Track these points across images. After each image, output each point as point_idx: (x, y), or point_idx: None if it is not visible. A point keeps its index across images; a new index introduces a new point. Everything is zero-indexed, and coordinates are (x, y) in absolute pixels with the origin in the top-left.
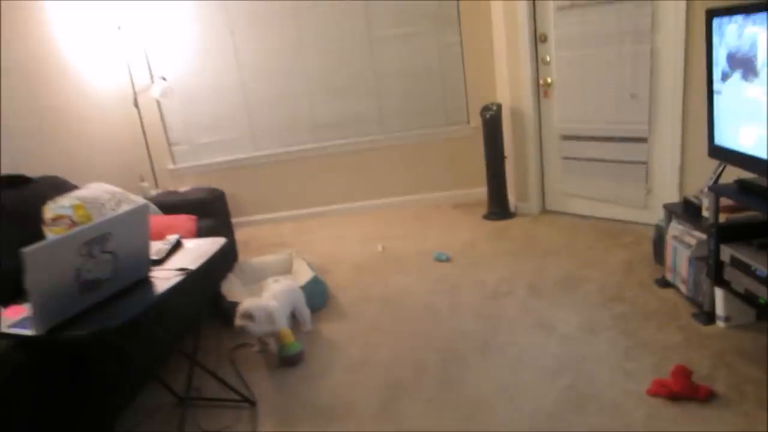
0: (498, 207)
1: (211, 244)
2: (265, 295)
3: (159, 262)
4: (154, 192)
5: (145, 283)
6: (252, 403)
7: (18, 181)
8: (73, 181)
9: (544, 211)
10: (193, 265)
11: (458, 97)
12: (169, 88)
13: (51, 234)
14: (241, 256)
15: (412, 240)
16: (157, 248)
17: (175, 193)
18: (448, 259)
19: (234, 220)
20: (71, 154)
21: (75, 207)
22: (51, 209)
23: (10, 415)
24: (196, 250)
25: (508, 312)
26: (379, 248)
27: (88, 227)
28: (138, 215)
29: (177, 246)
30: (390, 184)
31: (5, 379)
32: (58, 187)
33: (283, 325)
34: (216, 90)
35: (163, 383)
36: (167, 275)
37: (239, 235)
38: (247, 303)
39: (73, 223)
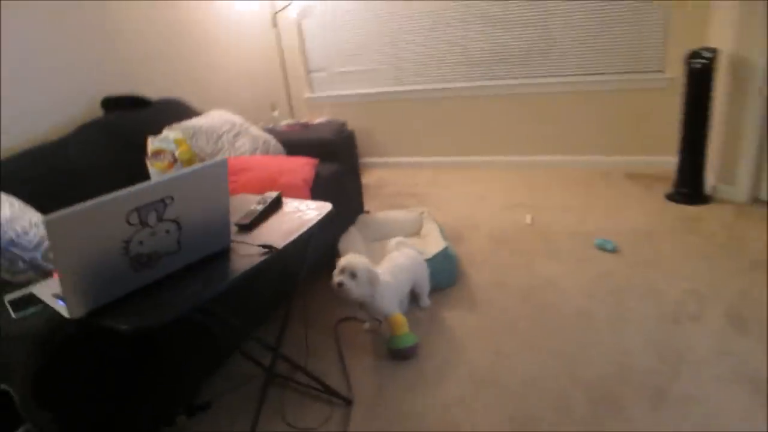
0: (689, 186)
1: (316, 211)
2: (384, 267)
3: (248, 227)
4: (283, 123)
5: (224, 258)
6: (348, 402)
7: (136, 103)
8: (199, 108)
9: (756, 201)
10: (282, 241)
11: (652, 36)
12: (309, 8)
13: (153, 169)
14: (368, 204)
15: (569, 215)
16: (248, 209)
17: (307, 126)
18: (613, 250)
19: (367, 160)
20: (200, 79)
21: (177, 141)
22: (153, 141)
23: (66, 378)
24: (295, 218)
25: (696, 347)
26: (528, 220)
27: (138, 189)
28: (213, 174)
29: (274, 206)
30: (550, 138)
31: (61, 342)
32: (179, 112)
33: (395, 308)
34: (361, 14)
35: (249, 357)
36: (249, 251)
37: (370, 177)
38: (351, 257)
39: (175, 160)
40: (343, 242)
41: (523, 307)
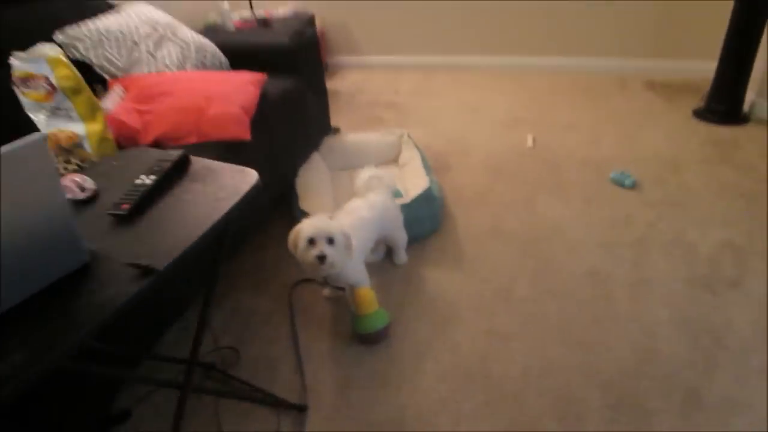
0: (724, 101)
1: (237, 182)
2: (343, 220)
3: (127, 217)
4: (236, 18)
5: (76, 288)
6: (301, 409)
7: None
8: None
9: None
10: (176, 243)
11: None
12: None
13: (26, 99)
14: (339, 118)
15: (578, 135)
16: (134, 182)
17: (267, 23)
18: (632, 186)
19: (341, 59)
20: None
21: (52, 61)
22: (17, 60)
23: None
24: (206, 196)
25: (737, 326)
26: (529, 142)
27: None
28: (26, 159)
29: (175, 173)
30: (556, 35)
31: None
32: (82, 7)
33: (364, 276)
34: None
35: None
36: (117, 272)
37: (343, 81)
38: (320, 221)
39: (53, 89)
40: (303, 176)
41: (522, 264)
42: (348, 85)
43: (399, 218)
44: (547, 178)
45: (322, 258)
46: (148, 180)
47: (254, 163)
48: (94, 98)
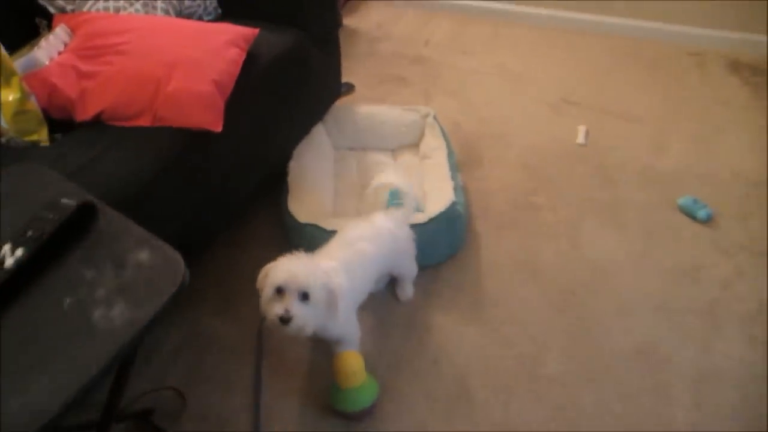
0: None
1: (158, 274)
2: (337, 255)
3: None
4: None
5: None
6: None
7: None
8: None
9: None
10: None
11: None
12: None
13: None
14: (354, 70)
15: (643, 133)
16: None
17: None
18: (707, 219)
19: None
20: None
21: None
22: None
23: None
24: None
25: None
26: (580, 137)
27: None
28: None
29: (65, 241)
30: None
31: None
32: None
33: (354, 329)
34: None
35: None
36: None
37: (366, 20)
38: (294, 263)
39: None
40: (299, 160)
41: (556, 323)
42: (370, 25)
43: (411, 249)
44: (599, 193)
45: (285, 320)
46: (9, 259)
47: (229, 154)
48: (5, 56)
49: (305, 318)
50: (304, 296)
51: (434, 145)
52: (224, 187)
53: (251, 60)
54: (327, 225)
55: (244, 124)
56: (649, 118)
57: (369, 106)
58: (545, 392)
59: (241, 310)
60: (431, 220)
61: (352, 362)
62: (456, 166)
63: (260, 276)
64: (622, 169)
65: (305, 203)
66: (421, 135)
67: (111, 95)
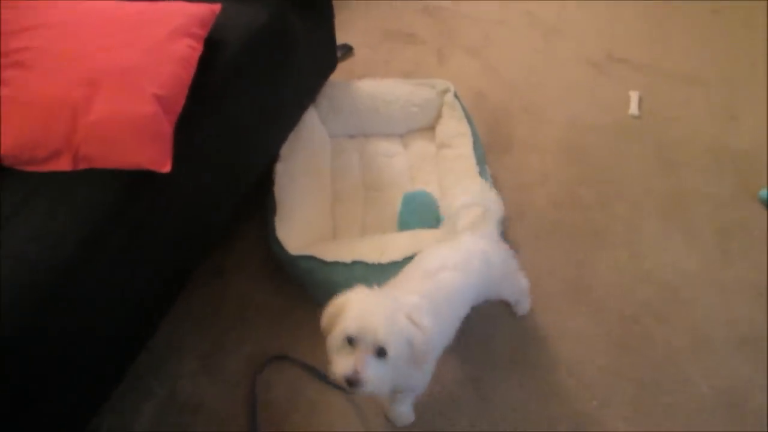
0: None
1: None
2: (416, 282)
3: None
4: None
5: None
6: None
7: None
8: None
9: None
10: None
11: None
12: None
13: None
14: (354, 28)
15: (707, 98)
16: None
17: None
18: None
19: None
20: None
21: None
22: None
23: None
24: None
25: None
26: (633, 107)
27: None
28: None
29: None
30: None
31: None
32: None
33: (419, 388)
34: None
35: None
36: None
37: None
38: (373, 302)
39: None
40: (287, 163)
41: (621, 367)
42: None
43: (513, 269)
44: (660, 182)
45: (352, 383)
46: None
47: (190, 190)
48: None
49: (380, 380)
50: (381, 352)
51: (455, 131)
52: (188, 228)
53: (212, 50)
54: (327, 255)
55: (208, 143)
56: (714, 79)
57: (371, 82)
58: None
59: (222, 365)
60: None
61: None
62: (484, 158)
63: (326, 315)
64: (686, 149)
65: (296, 226)
66: (438, 116)
67: (10, 133)
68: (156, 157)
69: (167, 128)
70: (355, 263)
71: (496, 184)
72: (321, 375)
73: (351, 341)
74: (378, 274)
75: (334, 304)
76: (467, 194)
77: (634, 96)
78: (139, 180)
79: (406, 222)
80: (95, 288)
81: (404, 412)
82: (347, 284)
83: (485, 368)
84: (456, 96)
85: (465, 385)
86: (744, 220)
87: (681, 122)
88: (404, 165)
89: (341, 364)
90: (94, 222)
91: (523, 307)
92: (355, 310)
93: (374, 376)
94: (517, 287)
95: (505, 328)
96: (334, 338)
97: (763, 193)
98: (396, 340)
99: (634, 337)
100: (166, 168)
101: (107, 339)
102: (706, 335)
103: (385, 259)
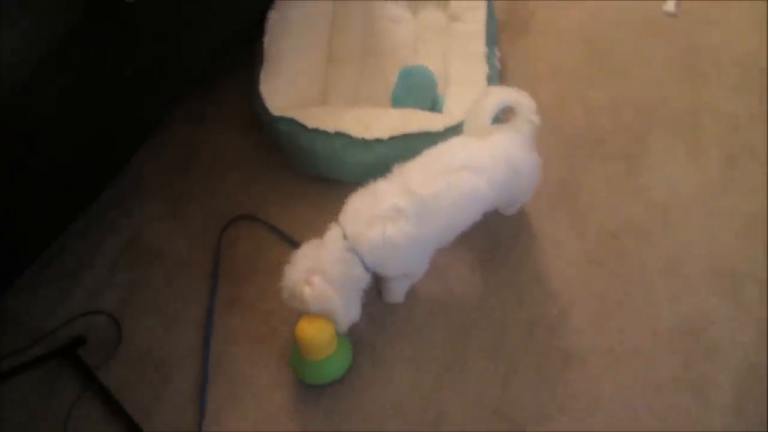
0: None
1: None
2: (426, 177)
3: None
4: None
5: None
6: None
7: None
8: None
9: None
10: None
11: None
12: None
13: None
14: None
15: (753, 13)
16: None
17: None
18: None
19: None
20: None
21: None
22: None
23: None
24: None
25: None
26: (669, 3)
27: None
28: None
29: None
30: None
31: None
32: None
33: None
34: None
35: None
36: None
37: None
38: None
39: None
40: (283, 8)
41: (588, 281)
42: None
43: (533, 182)
44: (679, 92)
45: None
46: None
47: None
48: None
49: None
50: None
51: (469, 3)
52: (159, 64)
53: None
54: (310, 120)
55: None
56: None
57: None
58: (556, 372)
59: (195, 216)
60: (450, 130)
61: (319, 335)
62: (495, 38)
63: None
64: (715, 58)
65: (283, 83)
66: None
67: None
68: None
69: None
70: (337, 134)
71: (503, 70)
72: (288, 238)
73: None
74: (361, 149)
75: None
76: (498, 91)
77: None
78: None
79: (399, 98)
80: (53, 115)
81: (394, 289)
82: (327, 155)
83: (452, 260)
84: None
85: (429, 273)
86: (754, 148)
87: (717, 28)
88: (409, 34)
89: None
90: (50, 42)
91: (513, 209)
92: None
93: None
94: (527, 198)
95: (480, 221)
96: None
97: None
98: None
99: (609, 253)
100: None
101: (70, 160)
102: (683, 261)
103: (369, 134)
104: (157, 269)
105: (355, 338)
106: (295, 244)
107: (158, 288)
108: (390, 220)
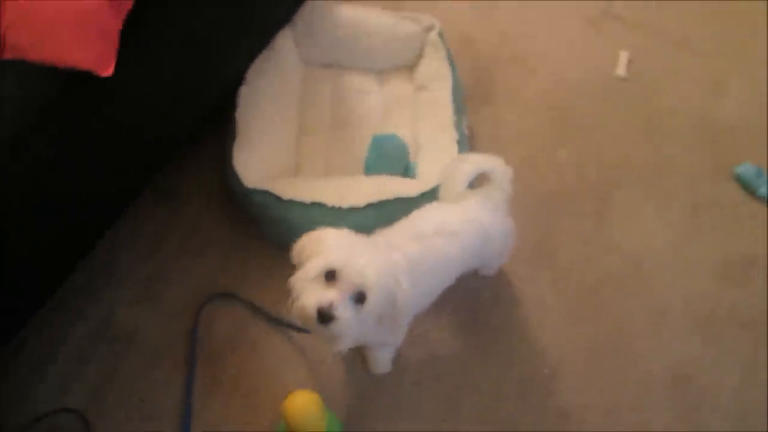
0: None
1: None
2: (401, 241)
3: None
4: None
5: None
6: None
7: None
8: None
9: None
10: None
11: None
12: None
13: None
14: None
15: (695, 65)
16: None
17: None
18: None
19: None
20: None
21: None
22: None
23: None
24: None
25: None
26: (620, 68)
27: None
28: None
29: None
30: None
31: None
32: None
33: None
34: None
35: None
36: None
37: None
38: (355, 245)
39: None
40: (253, 82)
41: (575, 338)
42: None
43: (508, 248)
44: (640, 149)
45: (325, 317)
46: None
47: (139, 97)
48: None
49: (350, 327)
50: (359, 298)
51: (436, 73)
52: (133, 142)
53: None
54: (284, 192)
55: (163, 50)
56: (709, 49)
57: (354, 10)
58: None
59: (169, 298)
60: (424, 195)
61: (307, 408)
62: (462, 107)
63: (302, 242)
64: (670, 117)
65: (256, 156)
66: (419, 56)
67: None
68: (96, 56)
69: (112, 25)
70: (313, 204)
71: (471, 135)
72: (269, 316)
73: (330, 276)
74: (336, 218)
75: (311, 236)
76: (473, 158)
77: (623, 56)
78: (76, 80)
79: (372, 166)
80: (21, 193)
81: (382, 357)
82: (303, 225)
83: (433, 324)
84: (440, 35)
85: (413, 341)
86: (717, 197)
87: (668, 89)
88: (378, 104)
89: (315, 295)
90: (21, 120)
91: (491, 270)
92: (342, 245)
93: (348, 318)
94: (503, 260)
95: (460, 285)
96: (310, 270)
97: (739, 169)
98: (379, 289)
99: (592, 308)
100: (107, 71)
101: (35, 247)
102: (663, 311)
103: (345, 203)
104: (128, 358)
105: (344, 414)
106: (275, 321)
107: (130, 379)
108: (400, 278)
